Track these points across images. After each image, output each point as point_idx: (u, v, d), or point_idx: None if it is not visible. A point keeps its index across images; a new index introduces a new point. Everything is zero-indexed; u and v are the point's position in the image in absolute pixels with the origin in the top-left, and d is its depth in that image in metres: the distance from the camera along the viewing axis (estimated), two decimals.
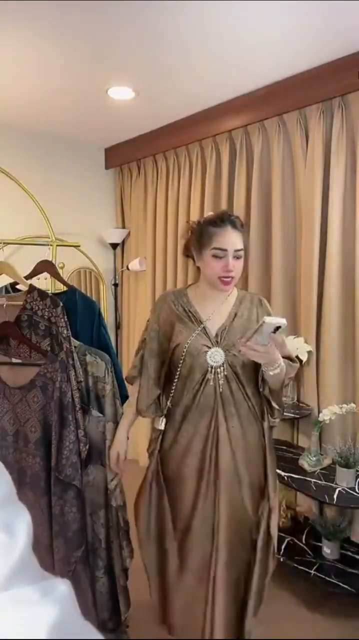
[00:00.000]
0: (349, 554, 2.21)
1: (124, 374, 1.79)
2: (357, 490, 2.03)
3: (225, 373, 1.55)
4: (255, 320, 1.59)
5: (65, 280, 1.95)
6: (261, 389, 1.58)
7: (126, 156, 3.57)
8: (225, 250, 1.50)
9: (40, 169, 3.35)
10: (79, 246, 2.68)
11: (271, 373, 1.47)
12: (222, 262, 1.51)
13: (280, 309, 2.57)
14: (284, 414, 2.36)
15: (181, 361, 1.57)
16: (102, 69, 2.31)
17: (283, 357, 1.51)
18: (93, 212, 3.71)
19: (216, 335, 1.57)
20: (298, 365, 1.66)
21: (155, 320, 1.67)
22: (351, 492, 2.02)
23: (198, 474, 1.57)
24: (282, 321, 1.33)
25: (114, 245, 3.74)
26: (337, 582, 2.02)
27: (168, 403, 1.62)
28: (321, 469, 2.22)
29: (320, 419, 2.17)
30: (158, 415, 1.64)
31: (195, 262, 1.62)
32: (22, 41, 2.02)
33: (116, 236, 3.70)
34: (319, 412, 2.34)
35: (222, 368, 1.55)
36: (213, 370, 1.55)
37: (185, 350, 1.55)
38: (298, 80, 2.35)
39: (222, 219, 1.53)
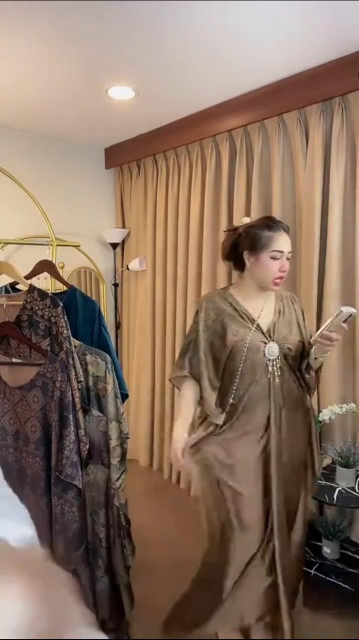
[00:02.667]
0: (349, 554, 2.21)
1: (169, 375, 1.85)
2: (357, 490, 2.03)
3: (279, 364, 1.67)
4: (294, 314, 1.74)
5: (65, 280, 1.96)
6: (306, 375, 1.72)
7: (126, 156, 3.57)
8: (282, 252, 1.62)
9: (40, 169, 3.35)
10: (79, 246, 2.69)
11: (321, 359, 1.63)
12: (279, 263, 1.62)
13: None
14: None
15: (242, 358, 1.64)
16: (102, 69, 2.31)
17: None
18: (93, 212, 3.71)
19: (268, 330, 1.68)
20: None
21: (203, 320, 1.71)
22: (351, 492, 2.02)
23: (253, 458, 1.65)
24: (354, 310, 1.46)
25: (114, 245, 3.74)
26: (337, 582, 2.02)
27: (230, 399, 1.66)
28: (321, 469, 2.22)
29: (320, 418, 2.17)
30: (219, 412, 1.68)
31: (236, 266, 1.73)
32: (22, 42, 2.02)
33: (116, 236, 3.69)
34: (319, 412, 2.34)
35: (277, 360, 1.66)
36: (270, 363, 1.65)
37: (245, 347, 1.64)
38: (298, 80, 2.35)
39: (276, 223, 1.64)
